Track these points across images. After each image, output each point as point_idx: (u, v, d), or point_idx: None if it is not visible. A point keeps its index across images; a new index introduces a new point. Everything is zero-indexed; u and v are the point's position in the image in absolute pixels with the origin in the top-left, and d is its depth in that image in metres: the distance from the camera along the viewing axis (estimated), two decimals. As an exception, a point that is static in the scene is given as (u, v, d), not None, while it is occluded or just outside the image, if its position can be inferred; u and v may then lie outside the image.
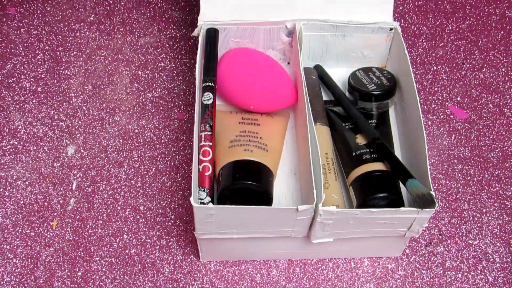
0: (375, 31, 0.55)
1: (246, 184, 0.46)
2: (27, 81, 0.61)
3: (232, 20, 0.54)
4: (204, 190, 0.45)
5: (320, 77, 0.57)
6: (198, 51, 0.50)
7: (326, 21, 0.54)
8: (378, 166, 0.48)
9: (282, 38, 0.56)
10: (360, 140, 0.51)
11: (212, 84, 0.50)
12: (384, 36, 0.56)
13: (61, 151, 0.57)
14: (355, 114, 0.52)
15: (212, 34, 0.53)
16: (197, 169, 0.45)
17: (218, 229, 0.44)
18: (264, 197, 0.47)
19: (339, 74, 0.58)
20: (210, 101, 0.48)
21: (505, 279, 0.51)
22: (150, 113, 0.60)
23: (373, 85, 0.54)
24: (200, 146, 0.46)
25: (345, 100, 0.54)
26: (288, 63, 0.59)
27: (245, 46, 0.57)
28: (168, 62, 0.64)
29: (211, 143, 0.46)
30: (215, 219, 0.42)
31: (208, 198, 0.44)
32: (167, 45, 0.65)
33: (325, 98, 0.56)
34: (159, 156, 0.57)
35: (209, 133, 0.46)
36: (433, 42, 0.67)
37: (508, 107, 0.61)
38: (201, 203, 0.44)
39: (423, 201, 0.42)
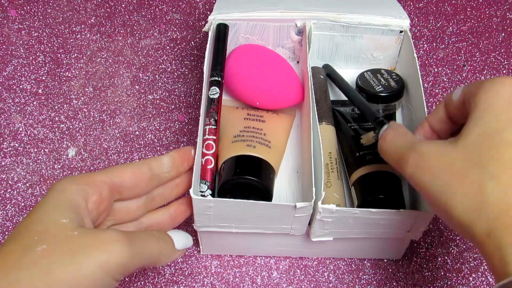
0: (385, 33, 0.55)
1: (246, 179, 0.46)
2: (27, 83, 0.61)
3: (243, 16, 0.54)
4: (205, 183, 0.45)
5: (328, 74, 0.57)
6: (208, 46, 0.51)
7: (336, 21, 0.54)
8: (381, 167, 0.48)
9: (292, 36, 0.56)
10: (365, 140, 0.51)
11: (219, 78, 0.50)
12: (394, 38, 0.56)
13: (62, 153, 0.57)
14: (358, 99, 0.51)
15: (222, 30, 0.54)
16: (199, 162, 0.45)
17: (217, 222, 0.44)
18: (264, 193, 0.47)
19: (348, 75, 0.58)
20: (216, 96, 0.48)
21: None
22: (150, 115, 0.60)
23: (380, 86, 0.54)
24: (204, 140, 0.46)
25: (350, 89, 0.53)
26: (298, 62, 0.59)
27: (254, 43, 0.57)
28: (169, 64, 0.64)
29: (214, 137, 0.46)
30: (214, 212, 0.43)
31: (209, 191, 0.44)
32: (168, 47, 0.65)
33: (332, 98, 0.56)
34: (160, 158, 0.57)
35: (213, 127, 0.47)
36: (434, 44, 0.67)
37: (509, 109, 0.61)
38: (202, 195, 0.44)
39: None
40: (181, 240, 0.40)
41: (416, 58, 0.51)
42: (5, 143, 0.57)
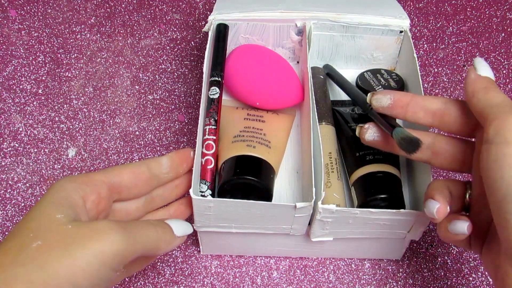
0: (385, 33, 0.55)
1: (246, 179, 0.46)
2: (27, 83, 0.61)
3: (243, 16, 0.54)
4: (205, 183, 0.45)
5: (328, 73, 0.57)
6: (207, 46, 0.51)
7: (336, 21, 0.54)
8: (381, 167, 0.48)
9: (292, 36, 0.56)
10: None
11: (219, 79, 0.50)
12: (393, 38, 0.56)
13: (62, 153, 0.57)
14: (355, 92, 0.51)
15: (222, 30, 0.54)
16: (199, 162, 0.45)
17: (217, 223, 0.44)
18: (263, 193, 0.47)
19: (348, 75, 0.58)
20: (216, 96, 0.48)
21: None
22: (150, 115, 0.60)
23: (380, 87, 0.53)
24: (203, 140, 0.46)
25: (350, 86, 0.53)
26: (298, 62, 0.59)
27: (254, 43, 0.57)
28: (169, 64, 0.64)
29: (214, 137, 0.46)
30: (214, 212, 0.43)
31: (209, 191, 0.44)
32: (168, 47, 0.65)
33: (332, 98, 0.56)
34: (160, 158, 0.57)
35: (213, 127, 0.47)
36: (434, 44, 0.67)
37: (509, 109, 0.61)
38: (201, 195, 0.44)
39: (408, 142, 0.40)
40: (180, 227, 0.40)
41: (416, 58, 0.51)
42: (5, 143, 0.57)
